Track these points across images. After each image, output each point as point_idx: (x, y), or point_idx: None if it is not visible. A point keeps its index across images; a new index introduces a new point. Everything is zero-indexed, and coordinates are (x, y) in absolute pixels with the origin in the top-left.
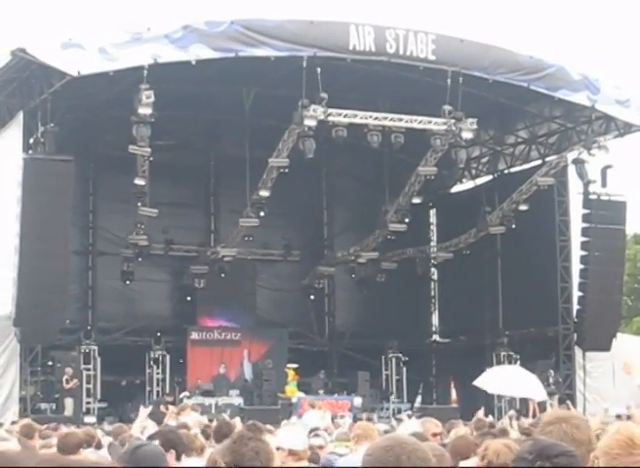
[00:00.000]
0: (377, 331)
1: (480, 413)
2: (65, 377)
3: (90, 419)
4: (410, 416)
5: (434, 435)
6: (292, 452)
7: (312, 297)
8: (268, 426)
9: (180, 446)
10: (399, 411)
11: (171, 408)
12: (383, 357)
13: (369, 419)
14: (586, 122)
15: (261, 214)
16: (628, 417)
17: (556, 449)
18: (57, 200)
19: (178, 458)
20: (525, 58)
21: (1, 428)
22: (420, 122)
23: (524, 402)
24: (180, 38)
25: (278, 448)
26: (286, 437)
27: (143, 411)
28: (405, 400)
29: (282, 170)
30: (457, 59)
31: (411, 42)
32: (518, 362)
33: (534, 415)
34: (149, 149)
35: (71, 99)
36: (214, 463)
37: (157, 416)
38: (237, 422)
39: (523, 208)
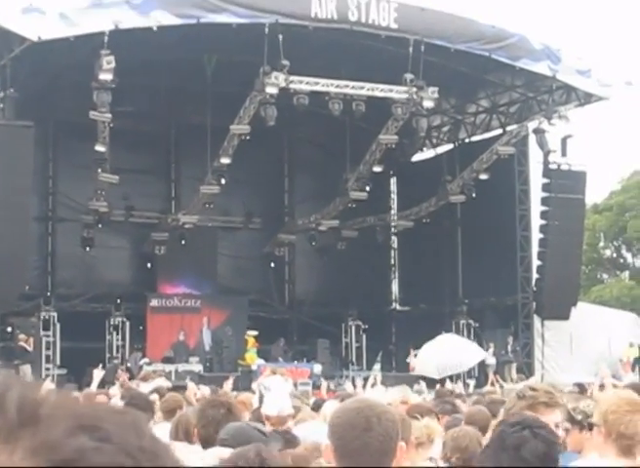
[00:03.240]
0: (337, 298)
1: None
2: (21, 343)
3: (49, 386)
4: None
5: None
6: (270, 418)
7: (273, 265)
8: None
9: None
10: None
11: (122, 375)
12: (343, 325)
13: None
14: (547, 92)
15: (222, 181)
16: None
17: (539, 423)
18: (16, 166)
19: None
20: (487, 28)
21: None
22: (382, 90)
23: (482, 370)
24: (142, 4)
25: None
26: (270, 404)
27: (97, 375)
28: (364, 367)
29: (243, 137)
30: (418, 28)
31: (373, 10)
32: (449, 333)
33: (492, 384)
34: (110, 115)
35: (32, 65)
36: (186, 425)
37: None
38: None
39: (483, 177)
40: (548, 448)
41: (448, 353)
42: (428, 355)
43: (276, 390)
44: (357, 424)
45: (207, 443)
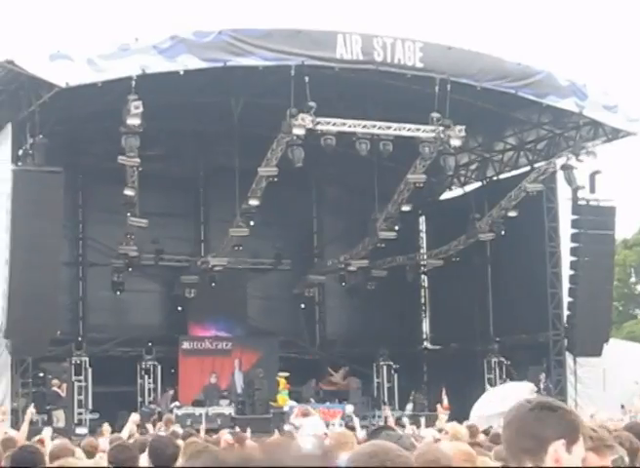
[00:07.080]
0: (367, 338)
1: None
2: (54, 389)
3: (82, 430)
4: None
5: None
6: None
7: (303, 306)
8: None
9: None
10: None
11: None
12: (375, 365)
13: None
14: (574, 128)
15: (251, 223)
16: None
17: None
18: (46, 211)
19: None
20: (513, 65)
21: None
22: (409, 130)
23: None
24: (168, 48)
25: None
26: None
27: (132, 420)
28: (397, 407)
29: (271, 179)
30: (444, 67)
31: (398, 50)
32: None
33: None
34: (138, 160)
35: (60, 111)
36: None
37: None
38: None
39: (512, 214)
40: None
41: (496, 399)
42: (480, 406)
43: (306, 429)
44: None
45: None
